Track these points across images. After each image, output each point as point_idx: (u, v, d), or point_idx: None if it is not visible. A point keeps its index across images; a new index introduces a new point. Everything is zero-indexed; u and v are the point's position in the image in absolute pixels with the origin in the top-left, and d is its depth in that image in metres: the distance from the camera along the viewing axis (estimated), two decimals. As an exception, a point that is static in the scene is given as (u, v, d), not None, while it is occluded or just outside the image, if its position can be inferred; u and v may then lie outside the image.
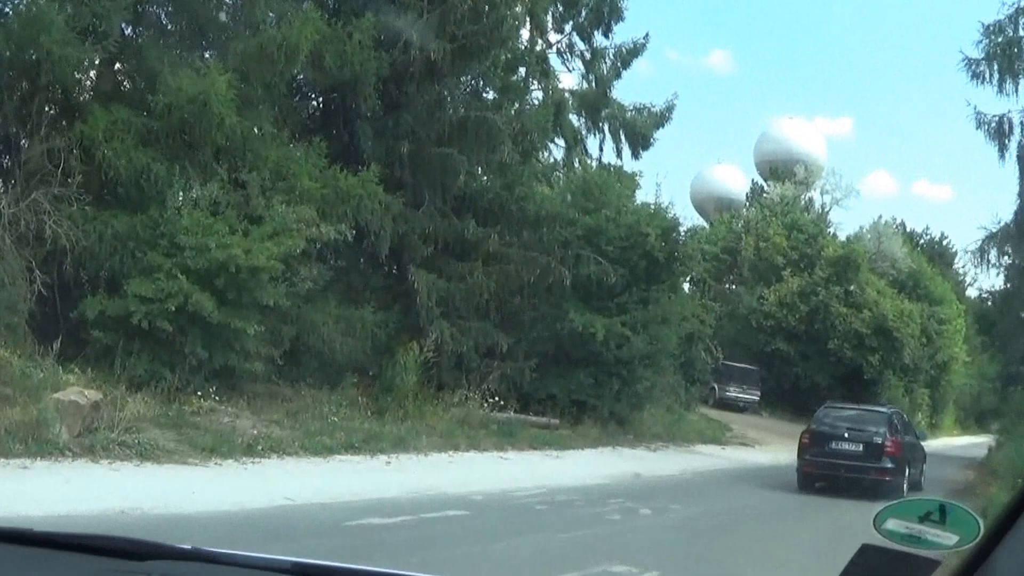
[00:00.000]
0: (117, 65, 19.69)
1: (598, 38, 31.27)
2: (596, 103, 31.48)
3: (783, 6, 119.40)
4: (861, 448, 20.30)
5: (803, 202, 54.82)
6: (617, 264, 25.33)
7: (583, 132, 32.20)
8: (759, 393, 43.36)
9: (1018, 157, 29.06)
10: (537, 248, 24.38)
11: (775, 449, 31.68)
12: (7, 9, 18.13)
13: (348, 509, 11.16)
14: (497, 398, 23.35)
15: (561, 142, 30.68)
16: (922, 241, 65.46)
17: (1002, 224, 31.32)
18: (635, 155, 31.87)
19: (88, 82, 19.45)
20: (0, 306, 15.89)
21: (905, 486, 20.21)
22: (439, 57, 21.70)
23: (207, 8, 19.69)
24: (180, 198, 17.34)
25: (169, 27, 20.20)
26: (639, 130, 31.58)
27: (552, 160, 30.44)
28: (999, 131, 29.10)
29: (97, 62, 19.00)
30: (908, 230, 62.97)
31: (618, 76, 31.66)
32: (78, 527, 2.91)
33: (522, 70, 27.11)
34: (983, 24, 29.14)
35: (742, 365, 42.62)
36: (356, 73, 20.54)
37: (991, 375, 55.73)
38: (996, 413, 56.97)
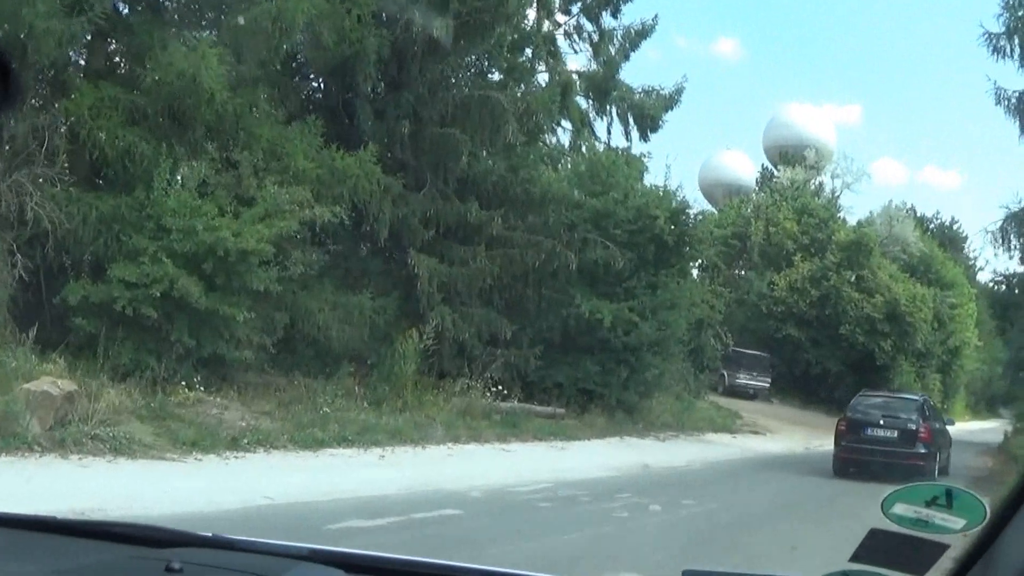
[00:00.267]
0: (111, 44, 19.05)
1: (606, 19, 30.62)
2: (604, 85, 30.76)
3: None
4: (896, 435, 21.03)
5: (813, 186, 54.32)
6: (625, 248, 24.80)
7: (591, 115, 31.55)
8: (769, 380, 43.11)
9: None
10: (542, 232, 23.78)
11: (787, 437, 31.28)
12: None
13: (332, 509, 10.37)
14: (500, 387, 22.68)
15: (568, 125, 30.07)
16: (932, 226, 65.21)
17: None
18: (644, 138, 31.23)
19: (81, 61, 18.92)
20: (-22, 291, 15.28)
21: (936, 471, 20.59)
22: (442, 35, 20.98)
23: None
24: (167, 178, 16.62)
25: (164, 3, 19.58)
26: (648, 112, 30.90)
27: (559, 144, 29.78)
28: (1020, 107, 28.34)
29: (89, 39, 18.34)
30: (918, 215, 62.49)
31: (626, 58, 31.00)
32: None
33: (528, 51, 26.46)
34: (1004, -4, 28.40)
35: (752, 352, 42.24)
36: (356, 50, 19.96)
37: (1003, 360, 55.38)
38: (1008, 398, 56.57)
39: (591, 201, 25.50)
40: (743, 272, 47.39)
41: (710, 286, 35.08)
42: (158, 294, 15.61)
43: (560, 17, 30.69)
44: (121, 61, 19.50)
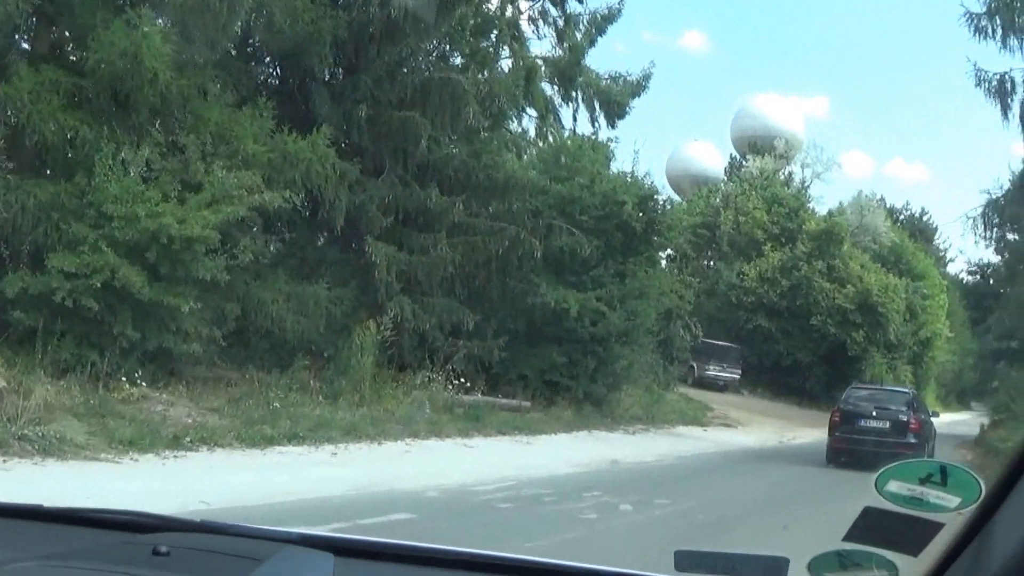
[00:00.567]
0: (55, 29, 18.25)
1: (571, 4, 29.94)
2: (569, 71, 30.04)
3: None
4: (888, 425, 22.06)
5: (783, 176, 54.07)
6: (591, 235, 24.38)
7: (556, 102, 30.88)
8: (740, 372, 42.95)
9: (1021, 117, 27.83)
10: (506, 218, 23.14)
11: (759, 429, 30.82)
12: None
13: (271, 515, 9.49)
14: (463, 380, 22.02)
15: (533, 112, 29.40)
16: (902, 217, 65.27)
17: (1006, 188, 30.40)
18: (611, 124, 30.52)
19: (26, 46, 18.14)
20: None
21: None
22: (400, 15, 20.25)
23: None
24: (110, 164, 15.81)
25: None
26: (615, 98, 30.22)
27: (523, 132, 29.16)
28: (1000, 89, 27.88)
29: (34, 22, 17.56)
30: (888, 206, 62.40)
31: (592, 44, 30.29)
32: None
33: (492, 36, 25.74)
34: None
35: (722, 343, 41.95)
36: (310, 32, 19.27)
37: (974, 351, 55.31)
38: (979, 390, 56.42)
39: (556, 187, 25.05)
40: (712, 262, 47.10)
41: (679, 276, 34.79)
42: (99, 284, 14.86)
43: (524, 3, 30.04)
44: (66, 45, 18.74)
